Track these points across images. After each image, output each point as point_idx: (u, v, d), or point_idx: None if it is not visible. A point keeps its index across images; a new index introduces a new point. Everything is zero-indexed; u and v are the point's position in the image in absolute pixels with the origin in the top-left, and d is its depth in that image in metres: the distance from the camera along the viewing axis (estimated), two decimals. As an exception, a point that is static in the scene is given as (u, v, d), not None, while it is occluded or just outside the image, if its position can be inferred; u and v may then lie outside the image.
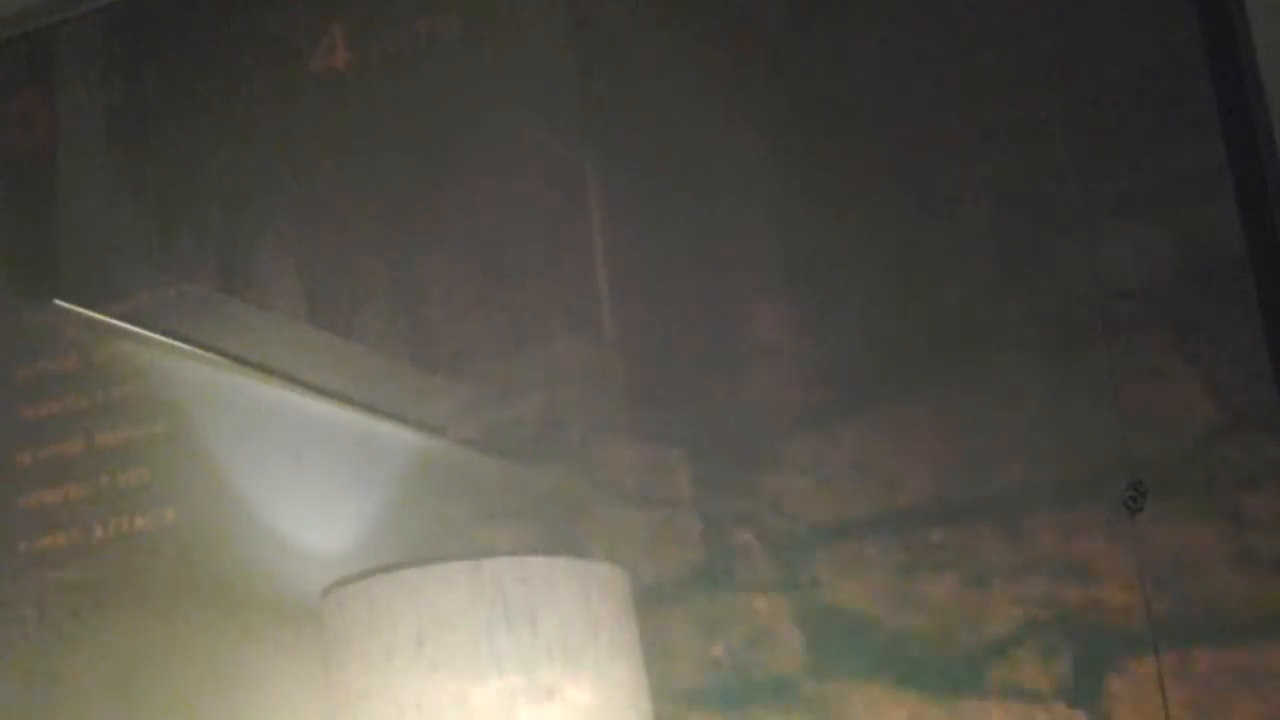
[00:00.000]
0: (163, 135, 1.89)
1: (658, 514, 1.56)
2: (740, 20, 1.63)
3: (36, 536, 1.81)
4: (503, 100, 1.73)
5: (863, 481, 1.48)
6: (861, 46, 1.58)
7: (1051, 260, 1.45)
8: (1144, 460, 1.37)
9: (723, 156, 1.61)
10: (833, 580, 1.47)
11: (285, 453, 1.72)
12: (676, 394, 1.58)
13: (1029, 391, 1.44)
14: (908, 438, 1.47)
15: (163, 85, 1.91)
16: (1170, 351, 1.39)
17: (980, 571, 1.42)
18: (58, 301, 1.87)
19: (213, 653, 1.68)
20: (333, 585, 1.42)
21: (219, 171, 1.85)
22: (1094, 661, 1.36)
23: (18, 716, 1.75)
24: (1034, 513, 1.41)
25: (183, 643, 1.70)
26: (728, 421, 1.55)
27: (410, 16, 1.79)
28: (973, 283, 1.48)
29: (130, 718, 1.70)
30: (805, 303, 1.55)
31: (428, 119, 1.76)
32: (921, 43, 1.55)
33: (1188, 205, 1.41)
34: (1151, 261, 1.41)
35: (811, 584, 1.47)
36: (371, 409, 1.71)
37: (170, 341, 1.81)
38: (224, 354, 1.78)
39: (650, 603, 1.49)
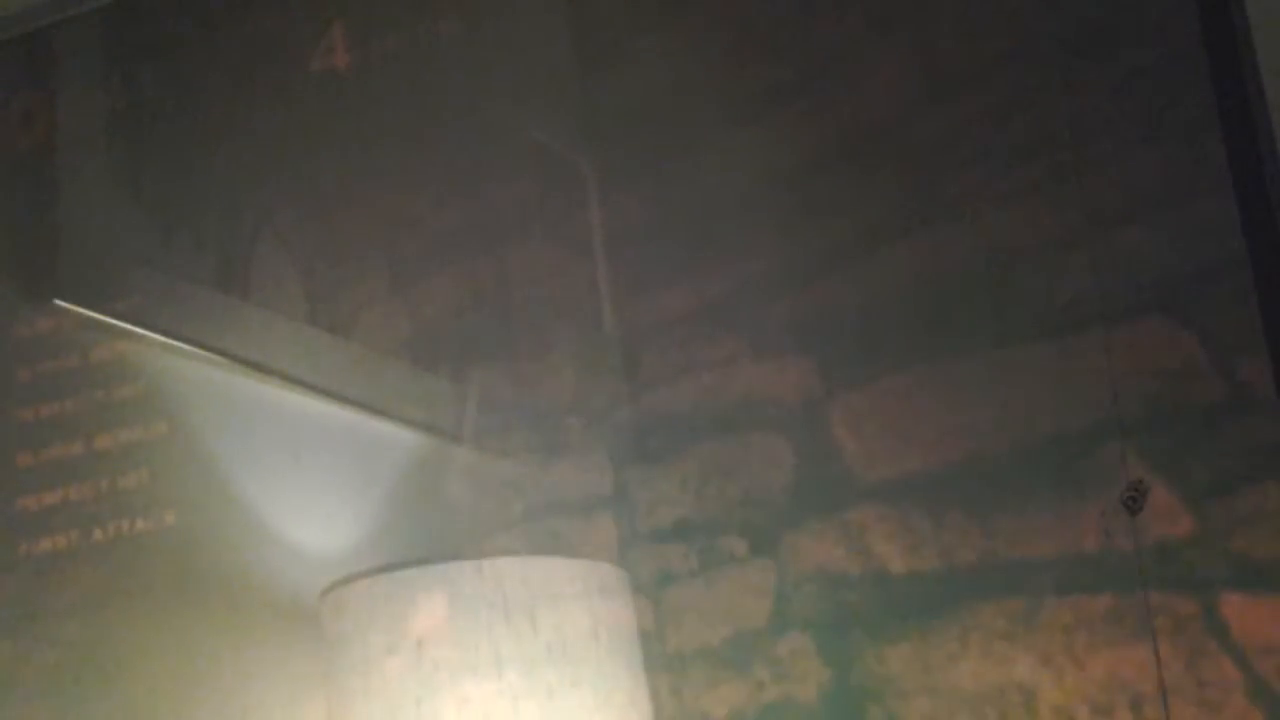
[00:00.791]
0: (163, 135, 1.89)
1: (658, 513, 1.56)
2: (741, 19, 1.63)
3: (36, 538, 1.81)
4: (503, 100, 1.73)
5: (860, 470, 1.48)
6: (861, 45, 1.58)
7: (1051, 260, 1.45)
8: (1144, 460, 1.37)
9: (723, 156, 1.61)
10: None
11: (285, 453, 1.72)
12: (677, 394, 1.58)
13: (1029, 391, 1.44)
14: (904, 427, 1.48)
15: (163, 85, 1.91)
16: (1170, 351, 1.39)
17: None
18: (58, 301, 1.87)
19: (212, 653, 1.68)
20: (332, 585, 1.42)
21: (219, 171, 1.85)
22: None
23: (17, 716, 1.76)
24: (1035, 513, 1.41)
25: (183, 643, 1.70)
26: (727, 422, 1.55)
27: (410, 16, 1.79)
28: (973, 284, 1.48)
29: (130, 718, 1.70)
30: (806, 303, 1.55)
31: (428, 119, 1.76)
32: (921, 40, 1.55)
33: (1188, 205, 1.41)
34: (1151, 261, 1.41)
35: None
36: (371, 409, 1.71)
37: (170, 341, 1.81)
38: (224, 354, 1.78)
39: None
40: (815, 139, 1.58)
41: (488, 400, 1.66)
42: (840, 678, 1.44)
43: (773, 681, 1.46)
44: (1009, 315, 1.46)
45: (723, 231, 1.59)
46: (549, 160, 1.70)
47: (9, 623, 1.79)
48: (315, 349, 1.75)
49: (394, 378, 1.71)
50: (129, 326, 1.83)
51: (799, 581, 1.48)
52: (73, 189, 1.92)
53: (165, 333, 1.81)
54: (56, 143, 1.94)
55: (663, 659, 1.50)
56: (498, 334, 1.68)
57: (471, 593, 1.35)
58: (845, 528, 1.47)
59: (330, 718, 1.42)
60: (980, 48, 1.52)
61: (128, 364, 1.82)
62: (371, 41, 1.80)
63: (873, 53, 1.57)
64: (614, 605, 1.40)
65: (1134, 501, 1.36)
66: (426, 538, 1.64)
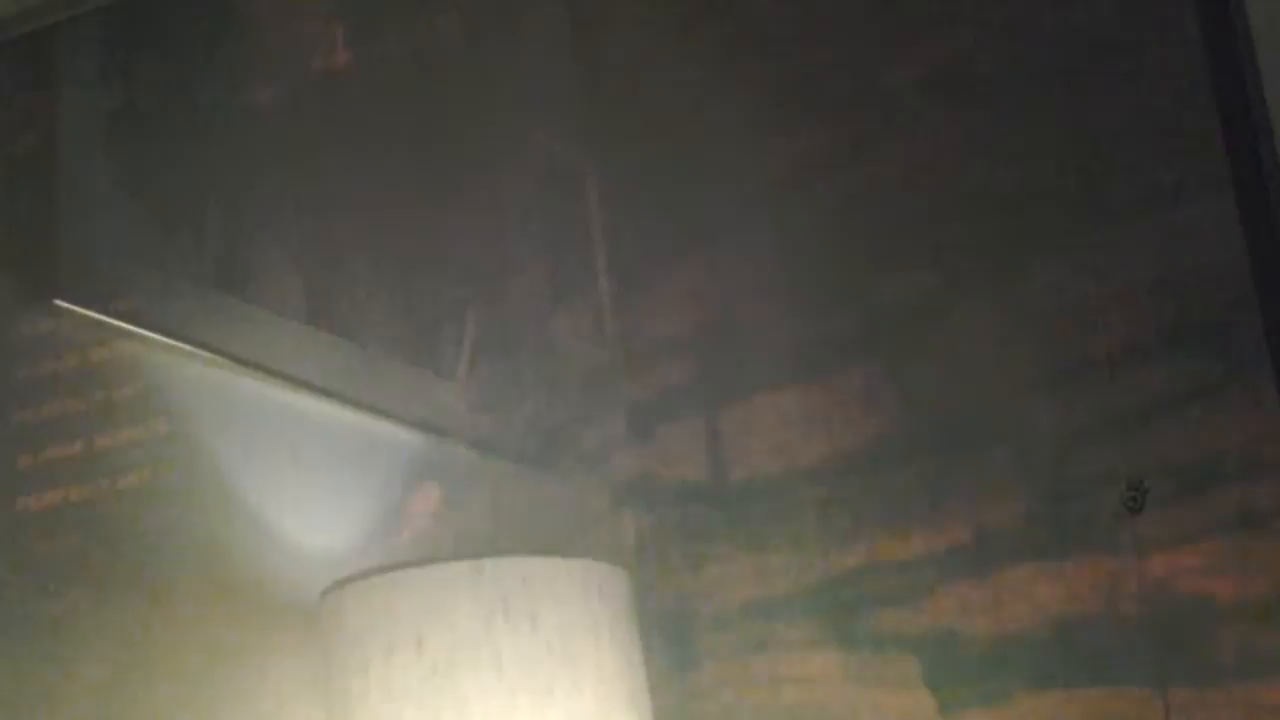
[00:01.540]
0: (163, 135, 1.89)
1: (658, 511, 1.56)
2: (742, 19, 1.63)
3: (36, 538, 1.81)
4: (502, 99, 1.73)
5: (854, 473, 1.48)
6: (862, 47, 1.58)
7: (1051, 260, 1.45)
8: (1144, 460, 1.37)
9: (724, 157, 1.61)
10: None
11: (285, 452, 1.72)
12: (677, 394, 1.58)
13: (1027, 390, 1.44)
14: (903, 422, 1.48)
15: (163, 85, 1.91)
16: (1170, 352, 1.39)
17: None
18: (58, 301, 1.87)
19: (212, 653, 1.68)
20: (332, 585, 1.42)
21: (219, 171, 1.85)
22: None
23: (17, 715, 1.75)
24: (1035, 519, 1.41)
25: (183, 643, 1.70)
26: (727, 421, 1.55)
27: (410, 16, 1.79)
28: (973, 284, 1.48)
29: (129, 718, 1.70)
30: (807, 302, 1.55)
31: (427, 119, 1.76)
32: (920, 40, 1.55)
33: (1188, 205, 1.41)
34: (1151, 261, 1.41)
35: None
36: (371, 409, 1.71)
37: (170, 341, 1.81)
38: (224, 354, 1.78)
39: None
40: (817, 139, 1.58)
41: (487, 399, 1.66)
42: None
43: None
44: (1008, 314, 1.46)
45: (724, 232, 1.60)
46: (549, 161, 1.70)
47: (7, 620, 1.79)
48: (315, 349, 1.75)
49: (394, 378, 1.71)
50: (129, 326, 1.83)
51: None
52: (73, 189, 1.92)
53: (165, 333, 1.81)
54: (56, 143, 1.94)
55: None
56: (498, 333, 1.68)
57: (472, 593, 1.35)
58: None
59: (330, 718, 1.42)
60: (979, 45, 1.52)
61: (128, 364, 1.82)
62: (372, 41, 1.80)
63: (873, 53, 1.57)
64: (614, 605, 1.40)
65: (1134, 502, 1.36)
66: (426, 538, 1.64)
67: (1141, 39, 1.45)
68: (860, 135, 1.56)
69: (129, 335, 1.83)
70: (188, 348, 1.79)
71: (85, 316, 1.85)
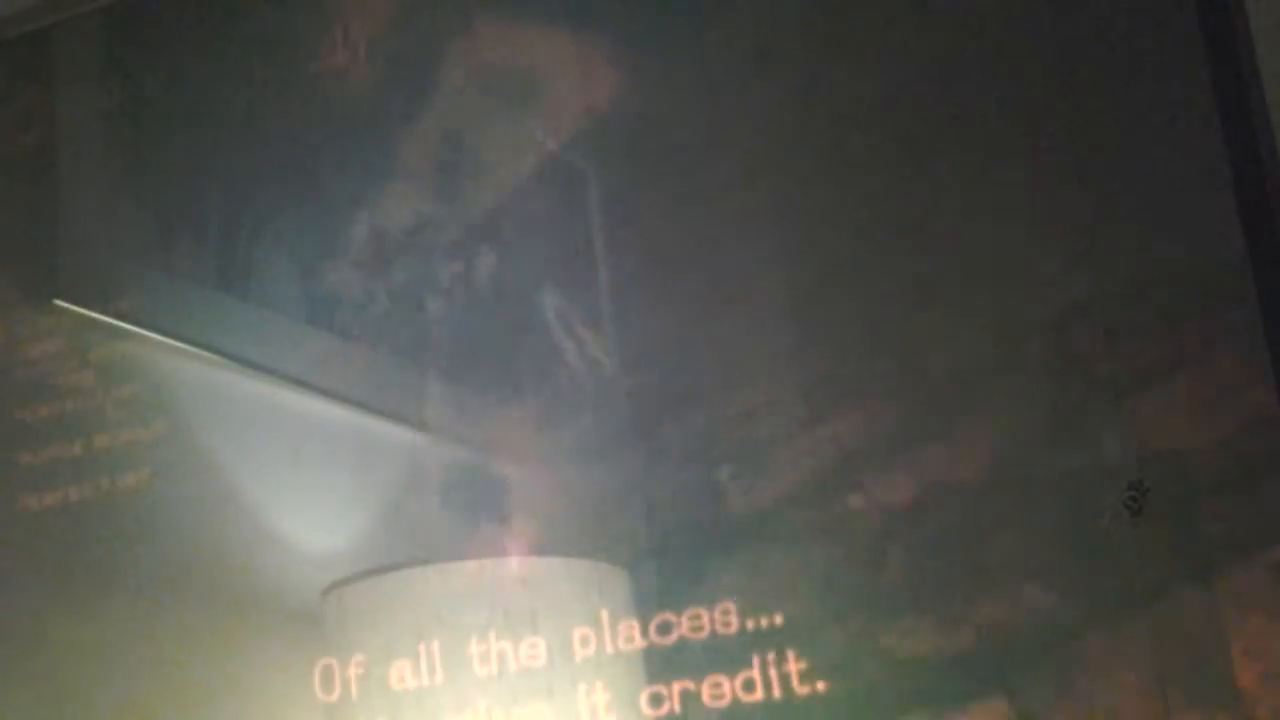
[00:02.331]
0: (163, 135, 1.89)
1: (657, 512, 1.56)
2: (743, 18, 1.63)
3: (36, 538, 1.81)
4: (503, 100, 1.73)
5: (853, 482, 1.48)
6: (862, 49, 1.58)
7: (1050, 261, 1.45)
8: (1144, 461, 1.37)
9: (725, 158, 1.61)
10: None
11: (284, 452, 1.72)
12: (677, 393, 1.58)
13: (1027, 390, 1.44)
14: (903, 443, 1.48)
15: (163, 85, 1.91)
16: (1170, 352, 1.39)
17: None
18: (58, 301, 1.87)
19: (212, 653, 1.68)
20: (333, 585, 1.42)
21: (219, 171, 1.85)
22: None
23: (17, 716, 1.76)
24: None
25: (183, 644, 1.70)
26: (728, 420, 1.55)
27: (410, 16, 1.79)
28: (973, 286, 1.48)
29: (128, 718, 1.70)
30: (808, 303, 1.55)
31: (427, 118, 1.76)
32: (920, 42, 1.55)
33: (1188, 205, 1.41)
34: (1151, 261, 1.41)
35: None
36: (371, 409, 1.71)
37: (170, 341, 1.81)
38: (224, 354, 1.78)
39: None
40: (818, 141, 1.58)
41: (487, 400, 1.66)
42: None
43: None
44: (1009, 314, 1.46)
45: (725, 235, 1.60)
46: (549, 161, 1.70)
47: (7, 620, 1.79)
48: (315, 349, 1.75)
49: (394, 378, 1.71)
50: (129, 326, 1.83)
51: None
52: (73, 189, 1.92)
53: (165, 333, 1.81)
54: (56, 143, 1.94)
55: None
56: (498, 334, 1.68)
57: (472, 593, 1.35)
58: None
59: (330, 717, 1.43)
60: (979, 45, 1.52)
61: (128, 364, 1.82)
62: (371, 41, 1.80)
63: (873, 55, 1.57)
64: (614, 605, 1.40)
65: (1134, 502, 1.36)
66: (426, 538, 1.64)
67: (1141, 39, 1.45)
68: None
69: (129, 335, 1.83)
70: (188, 348, 1.79)
71: (85, 316, 1.85)
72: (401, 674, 1.34)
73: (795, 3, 1.62)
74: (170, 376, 1.80)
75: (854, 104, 1.57)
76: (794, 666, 1.43)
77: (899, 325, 1.51)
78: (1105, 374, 1.40)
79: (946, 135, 1.52)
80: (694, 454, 1.55)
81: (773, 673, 1.43)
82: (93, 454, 1.81)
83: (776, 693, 1.42)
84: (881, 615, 1.44)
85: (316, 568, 1.62)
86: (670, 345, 1.60)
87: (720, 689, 1.42)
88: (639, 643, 1.43)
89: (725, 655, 1.46)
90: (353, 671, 1.38)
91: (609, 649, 1.38)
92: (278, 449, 1.72)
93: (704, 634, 1.46)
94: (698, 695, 1.44)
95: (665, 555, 1.54)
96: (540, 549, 1.55)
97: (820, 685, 1.42)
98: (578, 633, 1.36)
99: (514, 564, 1.36)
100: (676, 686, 1.44)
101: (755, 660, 1.43)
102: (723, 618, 1.45)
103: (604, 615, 1.38)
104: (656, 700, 1.42)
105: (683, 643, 1.48)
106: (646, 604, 1.48)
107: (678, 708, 1.44)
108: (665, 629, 1.46)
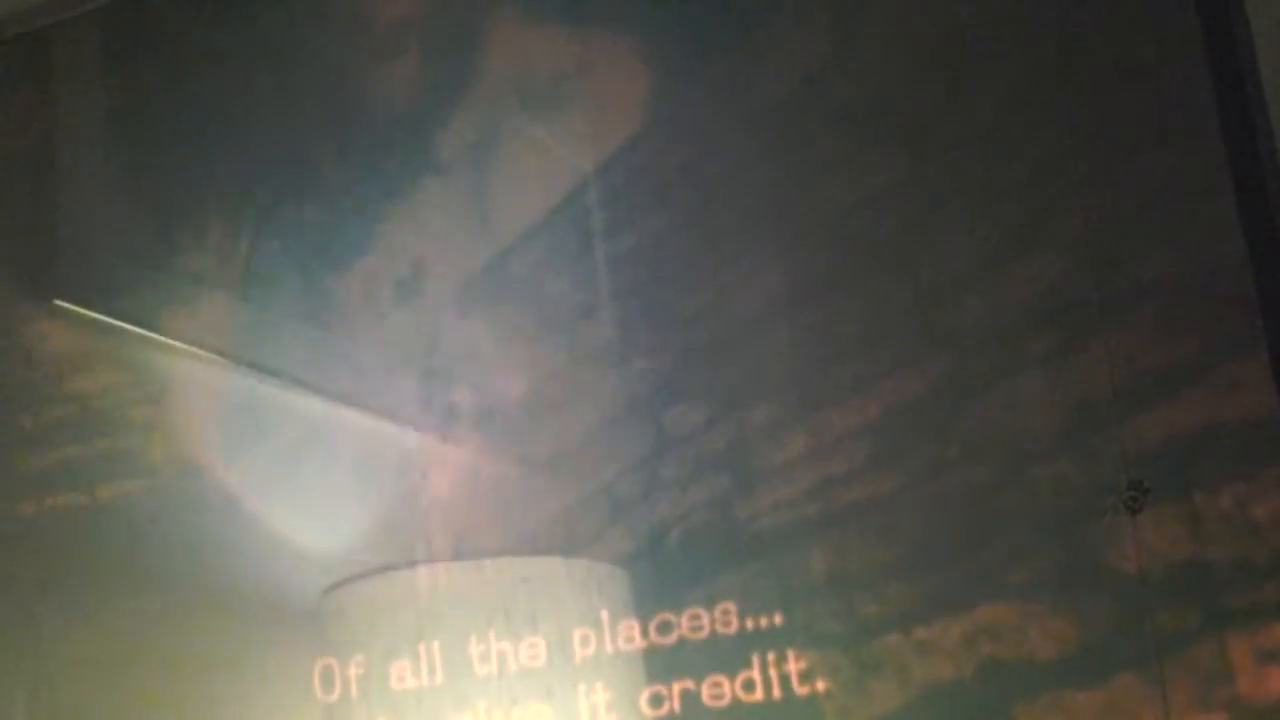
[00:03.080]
0: (163, 134, 1.89)
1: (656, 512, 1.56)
2: (744, 18, 1.63)
3: (36, 539, 1.81)
4: (503, 100, 1.73)
5: (854, 483, 1.48)
6: (863, 48, 1.58)
7: (1049, 261, 1.45)
8: (1144, 460, 1.37)
9: (726, 160, 1.61)
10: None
11: (285, 452, 1.72)
12: (677, 394, 1.58)
13: (1028, 390, 1.44)
14: (905, 445, 1.48)
15: (163, 85, 1.91)
16: (1170, 352, 1.39)
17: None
18: (58, 301, 1.87)
19: (213, 654, 1.68)
20: (333, 585, 1.42)
21: (219, 171, 1.85)
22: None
23: (16, 714, 1.76)
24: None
25: (182, 644, 1.70)
26: (727, 422, 1.55)
27: (410, 17, 1.79)
28: (972, 286, 1.48)
29: (128, 717, 1.70)
30: (808, 303, 1.55)
31: (429, 119, 1.76)
32: (919, 43, 1.55)
33: (1188, 206, 1.40)
34: (1150, 262, 1.41)
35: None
36: (372, 409, 1.71)
37: (171, 342, 1.80)
38: (224, 354, 1.78)
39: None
40: (818, 141, 1.58)
41: (488, 400, 1.66)
42: None
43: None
44: (1007, 315, 1.46)
45: (725, 235, 1.60)
46: (550, 161, 1.70)
47: (9, 624, 1.79)
48: (315, 349, 1.75)
49: (394, 379, 1.71)
50: (129, 326, 1.83)
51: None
52: (73, 189, 1.92)
53: (165, 333, 1.81)
54: (56, 143, 1.94)
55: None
56: (498, 335, 1.68)
57: (472, 593, 1.35)
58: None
59: (330, 717, 1.43)
60: (978, 45, 1.52)
61: (127, 364, 1.82)
62: (371, 41, 1.80)
63: (873, 55, 1.57)
64: (614, 605, 1.40)
65: (1134, 502, 1.36)
66: (427, 538, 1.64)
67: (1142, 39, 1.45)
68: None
69: (129, 335, 1.83)
70: (187, 348, 1.79)
71: (85, 316, 1.85)
72: (401, 674, 1.34)
73: (795, 3, 1.62)
74: (170, 376, 1.80)
75: (854, 104, 1.57)
76: (794, 666, 1.43)
77: (899, 326, 1.51)
78: (1105, 374, 1.40)
79: (946, 135, 1.52)
80: (694, 454, 1.55)
81: (773, 673, 1.43)
82: (92, 455, 1.81)
83: (776, 693, 1.42)
84: (881, 615, 1.44)
85: (316, 568, 1.62)
86: (671, 345, 1.60)
87: (720, 689, 1.42)
88: (639, 643, 1.43)
89: (725, 655, 1.45)
90: (353, 671, 1.38)
91: (609, 649, 1.38)
92: (278, 449, 1.72)
93: (704, 634, 1.46)
94: (698, 695, 1.44)
95: (665, 555, 1.54)
96: (540, 549, 1.55)
97: (820, 685, 1.42)
98: (578, 633, 1.36)
99: (514, 564, 1.36)
100: (676, 686, 1.44)
101: (755, 660, 1.43)
102: (723, 618, 1.45)
103: (604, 615, 1.38)
104: (656, 700, 1.42)
105: (683, 643, 1.48)
106: (646, 604, 1.48)
107: (678, 708, 1.44)
108: (665, 629, 1.46)
